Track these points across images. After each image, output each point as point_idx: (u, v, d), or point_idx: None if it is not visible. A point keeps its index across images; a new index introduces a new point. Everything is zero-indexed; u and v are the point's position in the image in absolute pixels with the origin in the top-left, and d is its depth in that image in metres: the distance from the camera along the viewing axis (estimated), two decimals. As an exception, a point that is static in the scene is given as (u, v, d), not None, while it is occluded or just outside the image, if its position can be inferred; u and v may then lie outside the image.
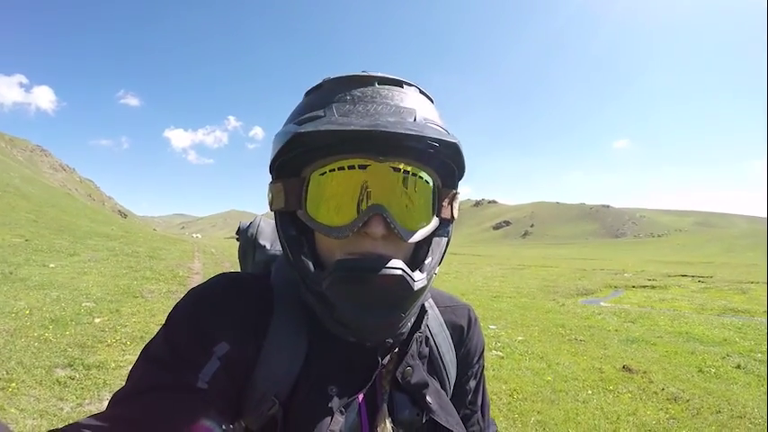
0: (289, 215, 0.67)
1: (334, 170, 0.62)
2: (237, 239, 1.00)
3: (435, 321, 0.82)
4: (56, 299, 6.94)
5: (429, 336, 0.80)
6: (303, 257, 0.64)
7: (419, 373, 0.74)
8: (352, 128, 0.57)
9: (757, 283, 19.05)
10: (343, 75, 0.66)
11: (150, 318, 6.54)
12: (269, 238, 0.95)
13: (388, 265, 0.60)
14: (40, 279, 8.32)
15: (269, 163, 0.68)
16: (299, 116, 0.65)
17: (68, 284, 8.18)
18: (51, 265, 10.14)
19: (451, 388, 0.83)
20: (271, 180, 0.69)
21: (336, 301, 0.62)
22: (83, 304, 6.79)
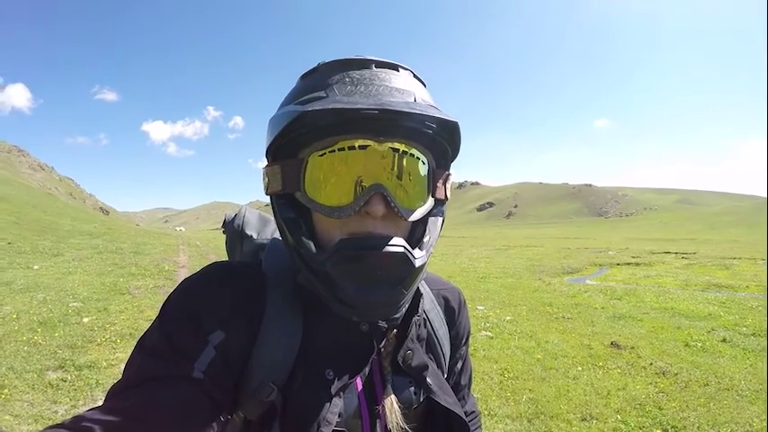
0: (286, 198, 0.67)
1: (334, 151, 0.62)
2: (224, 232, 1.00)
3: (427, 298, 0.85)
4: (42, 301, 6.83)
5: (426, 318, 0.82)
6: (304, 238, 0.64)
7: (419, 355, 0.76)
8: (360, 107, 0.57)
9: (740, 258, 19.45)
10: (340, 58, 0.66)
11: (138, 314, 6.49)
12: (255, 228, 0.94)
13: (391, 243, 0.61)
14: (26, 282, 8.18)
15: (266, 146, 0.67)
16: (297, 98, 0.65)
17: (54, 285, 8.06)
18: (36, 267, 9.96)
19: (447, 364, 0.85)
20: (266, 164, 0.70)
21: (340, 281, 0.62)
22: (70, 305, 6.70)
